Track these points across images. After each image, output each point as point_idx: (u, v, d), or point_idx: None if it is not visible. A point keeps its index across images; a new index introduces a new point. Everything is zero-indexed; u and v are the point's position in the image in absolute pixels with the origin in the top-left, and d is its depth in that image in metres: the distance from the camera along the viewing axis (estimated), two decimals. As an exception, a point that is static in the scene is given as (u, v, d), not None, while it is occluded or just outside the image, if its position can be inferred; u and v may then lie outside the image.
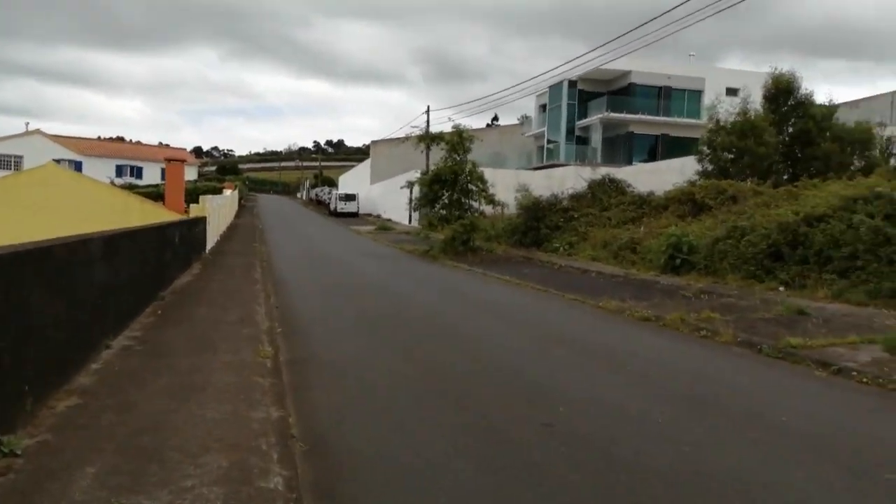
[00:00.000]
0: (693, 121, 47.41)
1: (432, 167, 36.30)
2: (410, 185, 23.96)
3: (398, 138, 60.72)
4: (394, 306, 11.76)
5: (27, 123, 67.89)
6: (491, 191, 23.57)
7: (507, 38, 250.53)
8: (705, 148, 25.95)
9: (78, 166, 65.00)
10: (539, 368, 7.30)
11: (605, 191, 25.58)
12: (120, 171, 68.63)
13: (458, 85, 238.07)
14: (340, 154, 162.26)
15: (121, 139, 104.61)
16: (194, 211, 18.24)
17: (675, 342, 9.01)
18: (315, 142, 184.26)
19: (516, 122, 70.55)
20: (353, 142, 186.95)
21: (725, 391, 6.51)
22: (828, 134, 24.48)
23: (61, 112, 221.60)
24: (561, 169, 40.04)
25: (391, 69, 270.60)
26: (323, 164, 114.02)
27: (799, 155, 25.04)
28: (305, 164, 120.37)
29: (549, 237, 23.81)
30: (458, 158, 22.96)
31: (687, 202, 21.72)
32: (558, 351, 8.32)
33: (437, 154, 26.63)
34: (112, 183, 59.80)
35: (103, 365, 5.96)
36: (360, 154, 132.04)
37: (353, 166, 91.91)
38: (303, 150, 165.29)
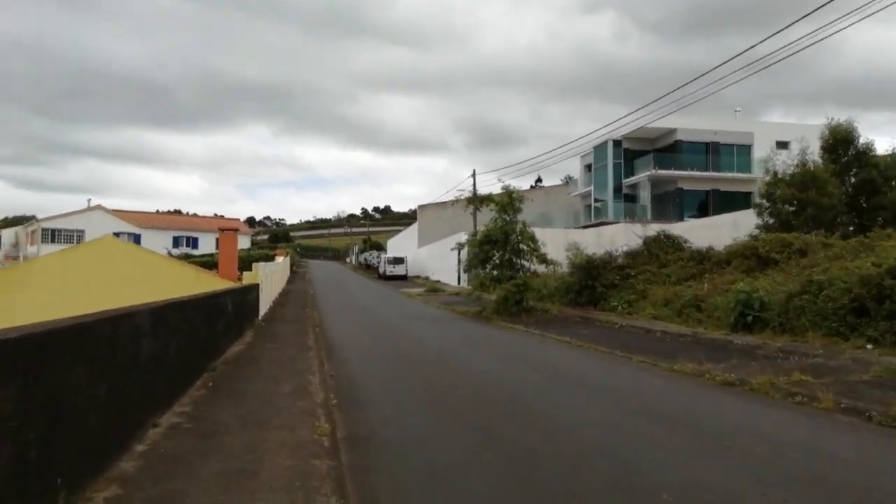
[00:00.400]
0: (744, 175, 46.53)
1: (480, 228, 36.08)
2: (460, 246, 23.59)
3: (445, 202, 61.41)
4: (454, 374, 11.10)
5: (89, 199, 71.12)
6: (542, 250, 23.01)
7: (545, 104, 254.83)
8: (764, 201, 25.05)
9: (137, 239, 67.39)
10: (627, 446, 6.48)
11: (662, 247, 24.73)
12: (177, 241, 70.83)
13: (500, 150, 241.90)
14: (387, 219, 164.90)
15: (178, 212, 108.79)
16: (247, 278, 18.17)
17: (770, 410, 8.08)
18: (363, 208, 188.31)
19: (559, 182, 70.67)
20: (398, 207, 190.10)
21: (848, 470, 5.62)
22: (894, 183, 23.42)
23: (121, 189, 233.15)
24: (611, 227, 39.34)
25: (433, 137, 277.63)
26: (371, 229, 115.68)
27: (864, 205, 23.97)
28: (354, 229, 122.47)
29: (606, 296, 22.94)
30: (508, 219, 22.59)
31: (751, 257, 20.74)
32: (643, 424, 7.49)
33: (486, 216, 26.37)
34: (169, 253, 61.76)
35: (149, 446, 5.51)
36: (406, 219, 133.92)
37: (399, 231, 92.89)
38: (351, 216, 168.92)
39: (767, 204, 24.98)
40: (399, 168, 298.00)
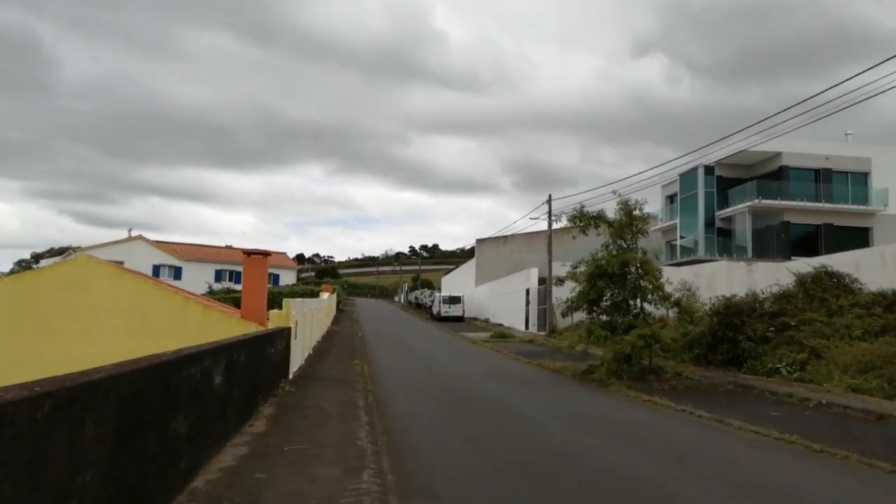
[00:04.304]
0: (860, 207, 39.84)
1: (556, 262, 30.34)
2: (560, 280, 17.77)
3: (505, 236, 55.83)
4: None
5: (130, 230, 67.78)
6: (668, 289, 17.09)
7: (595, 146, 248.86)
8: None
9: (178, 271, 63.79)
10: None
11: (825, 288, 18.60)
12: (219, 275, 66.79)
13: (548, 190, 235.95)
14: (435, 258, 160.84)
15: (230, 248, 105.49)
16: (274, 320, 12.81)
17: None
18: (411, 247, 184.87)
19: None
20: (446, 246, 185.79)
21: None
22: None
23: (180, 226, 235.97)
24: (709, 265, 33.10)
25: (482, 178, 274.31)
26: (420, 267, 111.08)
27: None
28: (403, 267, 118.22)
29: (756, 353, 16.88)
30: (626, 245, 16.79)
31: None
32: None
33: (570, 246, 20.77)
34: (210, 287, 57.57)
35: None
36: (455, 257, 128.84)
37: (448, 269, 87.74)
38: (399, 254, 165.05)
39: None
40: (447, 208, 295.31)
